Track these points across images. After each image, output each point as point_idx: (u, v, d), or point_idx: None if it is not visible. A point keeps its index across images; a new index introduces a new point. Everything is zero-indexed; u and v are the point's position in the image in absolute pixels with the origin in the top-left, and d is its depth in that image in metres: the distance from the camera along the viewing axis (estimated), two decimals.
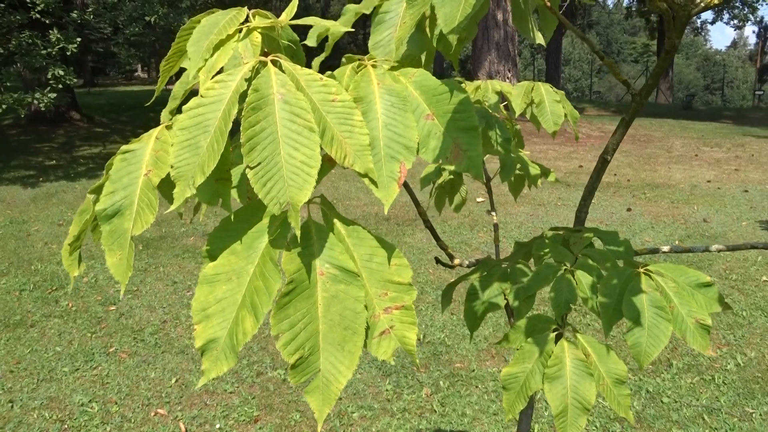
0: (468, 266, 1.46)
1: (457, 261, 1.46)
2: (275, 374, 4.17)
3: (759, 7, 28.06)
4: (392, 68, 0.87)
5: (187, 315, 5.17)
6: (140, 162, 0.80)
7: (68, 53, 10.11)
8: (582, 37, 1.04)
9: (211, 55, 0.81)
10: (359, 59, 0.90)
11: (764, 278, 5.89)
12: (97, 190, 0.82)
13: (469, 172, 0.80)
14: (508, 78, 16.30)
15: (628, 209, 8.29)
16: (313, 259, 0.76)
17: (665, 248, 1.24)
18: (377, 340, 0.78)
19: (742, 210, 8.35)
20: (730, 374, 4.13)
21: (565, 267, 1.14)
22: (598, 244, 1.26)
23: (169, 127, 0.84)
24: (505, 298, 1.16)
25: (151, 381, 4.10)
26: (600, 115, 20.35)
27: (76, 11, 11.17)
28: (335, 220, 0.82)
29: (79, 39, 10.19)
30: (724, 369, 4.21)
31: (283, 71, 0.76)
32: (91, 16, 11.49)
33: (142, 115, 17.23)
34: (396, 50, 0.86)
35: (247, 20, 0.87)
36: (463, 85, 1.46)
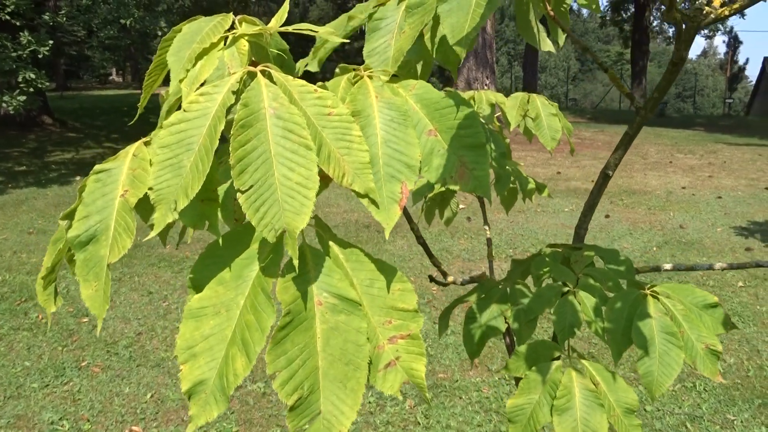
0: (462, 284, 1.40)
1: (450, 278, 1.40)
2: (255, 387, 4.06)
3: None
4: (390, 80, 0.81)
5: (163, 326, 5.03)
6: (116, 182, 0.72)
7: (40, 56, 9.85)
8: (585, 49, 1.00)
9: (194, 65, 0.74)
10: (354, 69, 0.83)
11: (740, 284, 5.97)
12: (70, 215, 0.74)
13: (475, 193, 0.74)
14: (486, 85, 16.40)
15: (607, 216, 8.36)
16: (309, 288, 0.69)
17: (667, 266, 1.20)
18: (382, 373, 0.71)
19: (716, 216, 8.47)
20: (710, 381, 4.14)
21: (567, 288, 1.09)
22: (598, 263, 1.21)
23: (147, 143, 0.76)
24: (506, 321, 1.11)
25: (126, 396, 3.96)
26: (576, 122, 20.61)
27: (48, 13, 10.90)
28: (331, 243, 0.76)
29: (51, 42, 9.94)
30: (705, 376, 4.22)
31: (274, 82, 0.69)
32: (64, 19, 11.22)
33: (116, 120, 16.91)
34: (395, 61, 0.80)
35: (232, 27, 0.80)
36: None
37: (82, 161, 11.97)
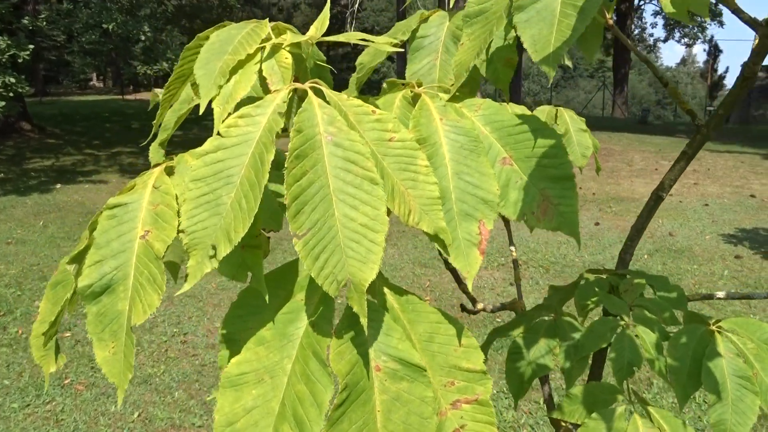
0: (492, 311, 1.30)
1: (480, 306, 1.30)
2: None
3: (707, 26, 29.26)
4: (451, 98, 0.70)
5: (149, 341, 4.86)
6: (134, 220, 0.61)
7: (20, 60, 9.59)
8: (645, 60, 0.90)
9: (227, 80, 0.63)
10: (402, 84, 0.73)
11: (732, 292, 5.95)
12: (78, 258, 0.62)
13: (561, 231, 0.64)
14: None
15: (596, 223, 8.34)
16: (367, 351, 0.58)
17: (720, 294, 1.12)
18: None
19: (704, 223, 8.51)
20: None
21: (623, 322, 0.99)
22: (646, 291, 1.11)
23: (170, 172, 0.65)
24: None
25: (112, 416, 3.79)
26: None
27: (27, 17, 10.63)
28: (386, 291, 0.65)
29: (31, 46, 9.68)
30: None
31: (328, 102, 0.58)
32: (44, 23, 10.95)
33: (97, 126, 16.59)
34: (457, 79, 0.69)
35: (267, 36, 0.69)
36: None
37: (63, 168, 11.68)
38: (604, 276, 1.16)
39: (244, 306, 0.65)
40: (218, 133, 0.57)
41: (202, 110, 0.61)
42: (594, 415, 0.90)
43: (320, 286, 0.52)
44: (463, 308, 1.26)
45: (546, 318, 1.07)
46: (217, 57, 0.64)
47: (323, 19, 0.70)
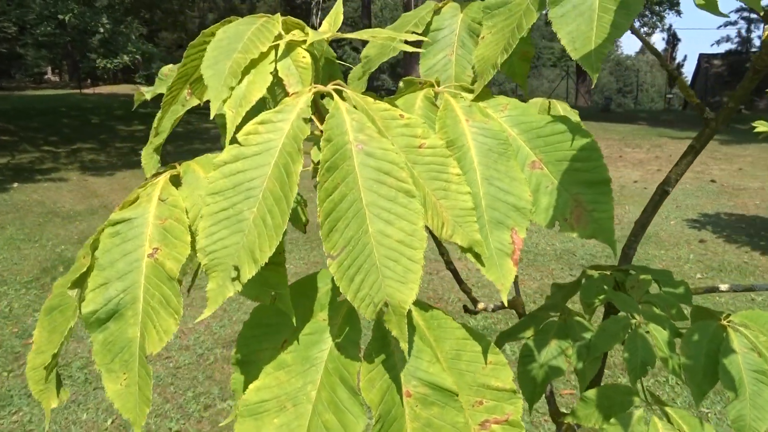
0: (493, 310, 1.28)
1: (481, 306, 1.27)
2: (225, 406, 3.84)
3: (665, 15, 29.91)
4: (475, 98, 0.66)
5: None
6: (140, 236, 0.55)
7: None
8: (655, 53, 0.88)
9: (239, 82, 0.57)
10: (420, 83, 0.68)
11: (698, 275, 6.13)
12: (80, 282, 0.56)
13: (596, 238, 0.61)
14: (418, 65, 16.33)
15: None
16: (398, 376, 0.54)
17: (723, 287, 1.11)
18: None
19: (669, 209, 8.71)
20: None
21: (635, 320, 0.97)
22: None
23: (176, 181, 0.59)
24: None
25: (84, 424, 3.66)
26: None
27: None
28: (410, 307, 0.60)
29: None
30: None
31: (355, 107, 0.54)
32: None
33: (55, 121, 16.00)
34: (482, 75, 0.64)
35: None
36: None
37: (19, 166, 11.23)
38: (608, 272, 1.14)
39: (259, 325, 0.60)
40: (236, 141, 0.51)
41: (213, 114, 0.55)
42: (612, 420, 0.88)
43: (356, 308, 0.48)
44: (466, 309, 1.23)
45: (555, 318, 1.04)
46: (226, 55, 0.58)
47: (336, 15, 0.65)
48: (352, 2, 34.88)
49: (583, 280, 1.11)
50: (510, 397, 0.60)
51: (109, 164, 11.47)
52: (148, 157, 0.79)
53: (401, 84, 0.70)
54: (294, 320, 0.55)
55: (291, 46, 0.60)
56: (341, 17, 0.65)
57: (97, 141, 13.18)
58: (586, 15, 0.57)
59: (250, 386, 0.55)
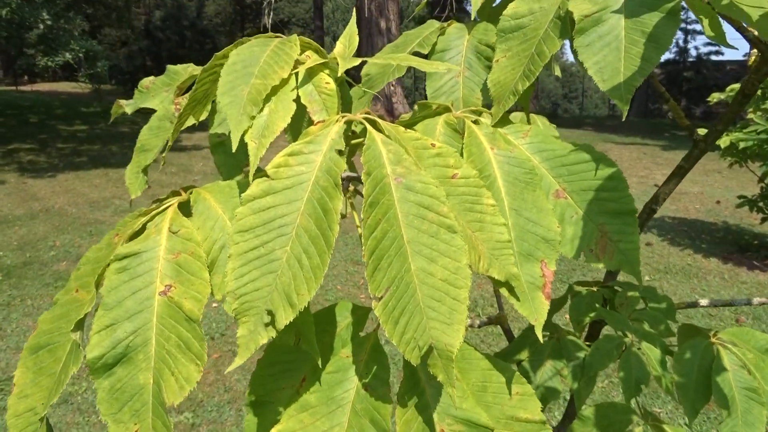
0: (479, 326, 1.27)
1: (467, 322, 1.26)
2: (182, 418, 3.71)
3: None
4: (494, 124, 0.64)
5: None
6: (150, 272, 0.51)
7: None
8: (655, 82, 0.90)
9: (261, 110, 0.53)
10: (435, 107, 0.66)
11: (647, 278, 6.36)
12: (80, 324, 0.51)
13: (622, 270, 0.60)
14: (392, 86, 16.44)
15: None
16: (431, 416, 0.52)
17: (703, 302, 1.14)
18: None
19: None
20: None
21: (627, 338, 0.99)
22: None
23: (186, 211, 0.55)
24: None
25: None
26: None
27: None
28: None
29: None
30: None
31: (388, 137, 0.51)
32: None
33: None
34: (500, 101, 0.62)
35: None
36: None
37: None
38: (594, 288, 1.15)
39: (274, 363, 0.57)
40: (263, 174, 0.48)
41: (234, 146, 0.51)
42: None
43: (402, 353, 0.45)
44: None
45: (549, 338, 1.05)
46: (242, 81, 0.54)
47: (351, 34, 0.62)
48: (303, 3, 34.62)
49: (570, 297, 1.12)
50: (540, 429, 0.58)
51: (50, 165, 10.94)
52: (134, 176, 0.74)
53: (416, 107, 0.68)
54: (319, 362, 0.52)
55: (313, 72, 0.57)
56: (357, 39, 0.62)
57: (37, 141, 12.55)
58: (613, 45, 0.56)
59: (272, 430, 0.52)
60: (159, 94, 0.84)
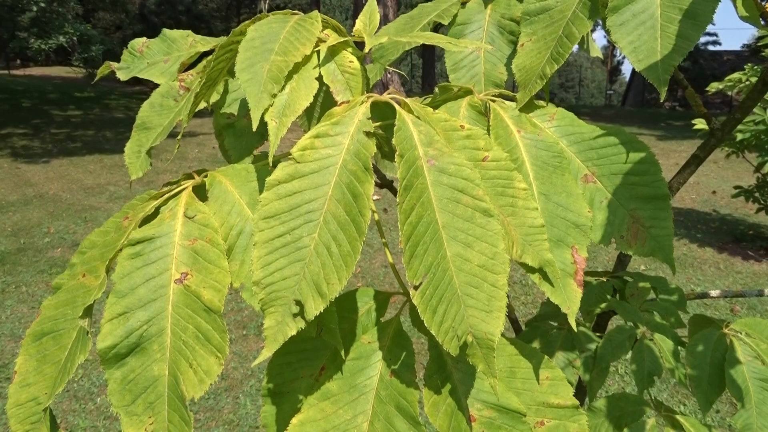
0: None
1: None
2: None
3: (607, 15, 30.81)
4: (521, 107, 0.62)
5: None
6: (165, 258, 0.48)
7: None
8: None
9: (282, 88, 0.51)
10: (457, 89, 0.64)
11: (642, 267, 6.39)
12: (88, 311, 0.49)
13: (654, 257, 0.58)
14: (389, 74, 16.33)
15: None
16: (460, 398, 0.51)
17: (714, 293, 1.13)
18: None
19: None
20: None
21: (639, 330, 0.97)
22: None
23: (201, 194, 0.53)
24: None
25: None
26: None
27: None
28: None
29: None
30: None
31: (418, 118, 0.49)
32: None
33: None
34: (527, 86, 0.60)
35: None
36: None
37: None
38: (604, 279, 1.14)
39: (292, 352, 0.55)
40: (292, 158, 0.46)
41: (255, 125, 0.49)
42: (626, 430, 0.87)
43: (440, 342, 0.43)
44: None
45: (558, 329, 1.03)
46: (262, 57, 0.52)
47: (372, 11, 0.60)
48: None
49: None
50: (573, 414, 0.57)
51: (44, 151, 10.83)
52: (134, 155, 0.70)
53: (436, 89, 0.65)
54: (342, 352, 0.50)
55: (335, 50, 0.55)
56: (377, 16, 0.60)
57: (30, 126, 12.43)
58: (648, 24, 0.54)
59: (294, 421, 0.50)
60: (156, 64, 0.79)
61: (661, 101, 0.73)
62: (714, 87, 6.09)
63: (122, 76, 0.79)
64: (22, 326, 4.65)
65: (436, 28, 0.76)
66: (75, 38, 11.29)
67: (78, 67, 16.05)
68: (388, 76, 15.73)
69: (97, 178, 9.18)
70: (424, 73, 23.47)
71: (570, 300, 0.53)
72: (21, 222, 6.86)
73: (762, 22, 0.84)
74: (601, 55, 1.03)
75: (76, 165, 9.88)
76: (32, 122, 12.74)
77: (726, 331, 0.96)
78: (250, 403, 3.60)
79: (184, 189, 0.55)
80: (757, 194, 6.01)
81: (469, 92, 0.63)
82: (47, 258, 6.03)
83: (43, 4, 9.88)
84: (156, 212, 0.53)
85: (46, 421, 0.55)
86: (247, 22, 0.56)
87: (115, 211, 7.38)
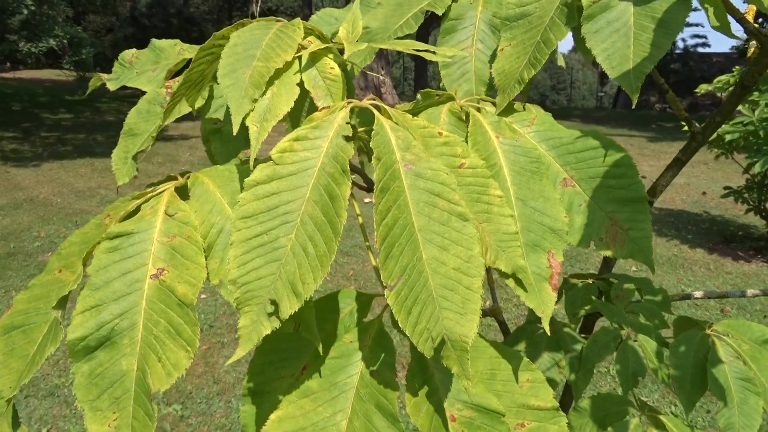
0: None
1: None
2: (170, 410, 3.69)
3: None
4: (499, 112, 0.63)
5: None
6: (142, 254, 0.49)
7: None
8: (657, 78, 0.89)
9: (263, 93, 0.52)
10: (438, 96, 0.65)
11: (633, 269, 6.41)
12: (63, 302, 0.50)
13: (633, 258, 0.59)
14: (381, 74, 16.35)
15: None
16: (440, 400, 0.51)
17: (698, 294, 1.15)
18: None
19: None
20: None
21: (623, 331, 0.99)
22: None
23: (183, 193, 0.53)
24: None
25: None
26: None
27: None
28: None
29: None
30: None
31: (396, 123, 0.50)
32: None
33: None
34: (505, 90, 0.61)
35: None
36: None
37: None
38: (589, 281, 1.15)
39: (274, 351, 0.56)
40: (271, 160, 0.47)
41: (236, 129, 0.50)
42: (610, 430, 0.89)
43: (415, 344, 0.44)
44: None
45: (543, 330, 1.04)
46: (244, 63, 0.53)
47: (355, 18, 0.61)
48: None
49: (565, 290, 1.12)
50: (553, 416, 0.58)
51: (34, 155, 10.77)
52: (121, 161, 0.71)
53: (419, 96, 0.66)
54: (320, 348, 0.51)
55: (316, 56, 0.56)
56: (360, 23, 0.61)
57: (20, 129, 12.35)
58: (622, 32, 0.55)
59: (272, 417, 0.51)
60: (145, 72, 0.81)
61: (632, 107, 0.73)
62: (703, 88, 6.15)
63: (112, 86, 0.81)
64: None
65: (430, 18, 0.76)
66: (65, 41, 11.25)
67: (69, 70, 15.98)
68: (380, 78, 15.75)
69: (87, 181, 9.14)
70: (416, 75, 23.49)
71: (545, 304, 0.54)
72: (11, 226, 6.82)
73: (747, 29, 0.86)
74: (564, 65, 1.05)
75: (67, 168, 9.83)
76: (22, 125, 12.67)
77: (709, 332, 0.98)
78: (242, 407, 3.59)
79: (166, 189, 0.56)
80: (746, 195, 6.07)
81: (450, 98, 0.64)
82: (37, 262, 5.99)
83: (33, 7, 9.82)
84: (137, 210, 0.54)
85: (8, 414, 0.55)
86: (230, 27, 0.57)
87: None
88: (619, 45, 0.55)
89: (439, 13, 0.74)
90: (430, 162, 0.48)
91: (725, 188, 6.39)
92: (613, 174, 0.60)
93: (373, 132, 0.48)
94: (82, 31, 12.61)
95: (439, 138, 0.52)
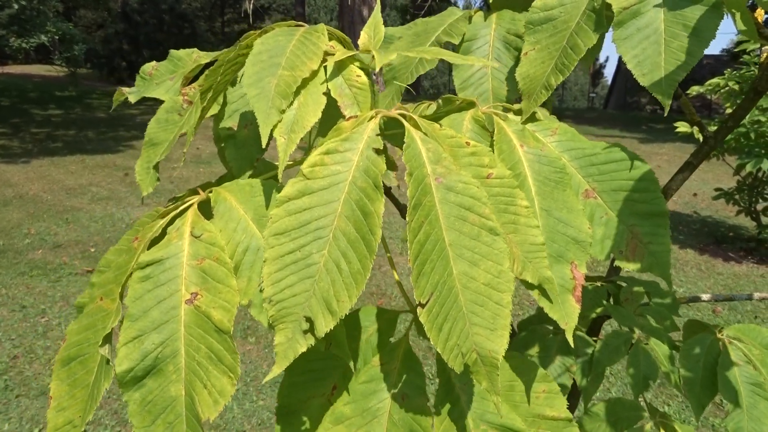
0: None
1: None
2: None
3: None
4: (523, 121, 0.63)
5: (44, 347, 4.41)
6: (174, 280, 0.48)
7: None
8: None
9: (291, 104, 0.51)
10: (459, 102, 0.64)
11: (627, 269, 6.44)
12: (107, 338, 0.49)
13: (651, 272, 0.59)
14: (375, 75, 16.26)
15: None
16: (464, 422, 0.51)
17: (705, 297, 1.15)
18: None
19: None
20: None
21: (635, 334, 0.99)
22: None
23: (205, 209, 0.52)
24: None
25: None
26: None
27: None
28: None
29: None
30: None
31: (426, 134, 0.49)
32: None
33: None
34: (531, 96, 0.61)
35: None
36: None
37: None
38: (598, 283, 1.15)
39: (303, 372, 0.55)
40: (302, 174, 0.46)
41: (264, 141, 0.49)
42: None
43: (446, 360, 0.44)
44: None
45: (554, 333, 1.04)
46: (269, 72, 0.52)
47: (377, 23, 0.60)
48: None
49: None
50: (566, 426, 0.58)
51: (24, 151, 10.66)
52: (144, 172, 0.71)
53: (440, 101, 0.66)
54: (352, 365, 0.51)
55: (342, 64, 0.55)
56: (382, 28, 0.60)
57: (9, 125, 12.23)
58: (652, 39, 0.55)
59: None
60: (163, 83, 0.80)
61: (665, 115, 0.73)
62: (695, 90, 6.19)
63: (133, 99, 0.80)
64: (2, 330, 4.58)
65: (445, 47, 0.76)
66: (56, 37, 11.13)
67: (60, 65, 15.82)
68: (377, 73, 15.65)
69: (78, 178, 9.06)
70: None
71: (568, 315, 0.53)
72: (0, 223, 6.75)
73: (762, 34, 0.86)
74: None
75: (57, 165, 9.74)
76: (11, 121, 12.55)
77: (719, 336, 0.98)
78: (236, 407, 3.58)
79: (189, 206, 0.55)
80: (737, 196, 6.12)
81: (472, 104, 0.63)
82: (27, 260, 5.93)
83: (23, 2, 9.70)
84: (163, 233, 0.53)
85: None
86: (253, 33, 0.56)
87: (97, 212, 7.28)
88: (650, 52, 0.55)
89: (456, 41, 0.74)
90: (461, 175, 0.48)
91: (716, 190, 6.44)
92: (635, 188, 0.60)
93: (404, 145, 0.47)
94: (73, 27, 12.48)
95: (467, 148, 0.51)
